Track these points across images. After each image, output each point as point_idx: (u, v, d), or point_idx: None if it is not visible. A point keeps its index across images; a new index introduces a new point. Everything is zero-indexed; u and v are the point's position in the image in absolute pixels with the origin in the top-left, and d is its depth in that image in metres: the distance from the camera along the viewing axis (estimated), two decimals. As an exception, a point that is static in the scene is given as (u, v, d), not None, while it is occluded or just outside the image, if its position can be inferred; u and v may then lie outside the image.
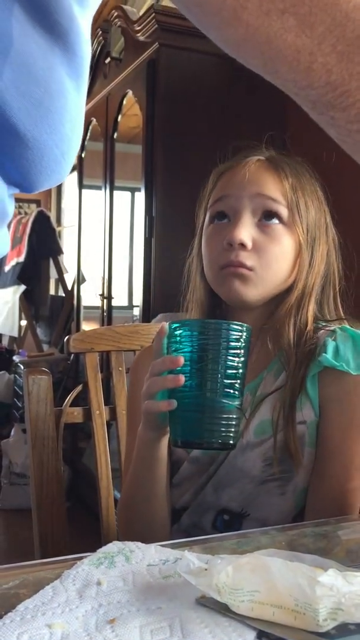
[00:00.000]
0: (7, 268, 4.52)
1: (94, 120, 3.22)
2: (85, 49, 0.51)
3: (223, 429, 0.71)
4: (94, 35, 3.02)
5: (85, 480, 3.03)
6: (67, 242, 4.83)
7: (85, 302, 3.65)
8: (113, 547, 0.63)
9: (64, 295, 4.45)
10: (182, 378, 0.70)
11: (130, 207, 3.35)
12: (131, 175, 3.07)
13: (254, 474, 0.86)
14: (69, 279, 4.28)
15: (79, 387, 1.21)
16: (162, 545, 0.65)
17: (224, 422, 0.71)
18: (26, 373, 1.08)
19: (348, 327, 0.89)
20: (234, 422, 0.71)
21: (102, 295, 3.16)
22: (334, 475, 0.86)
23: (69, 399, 1.15)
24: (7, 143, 0.48)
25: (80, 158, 3.48)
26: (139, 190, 2.68)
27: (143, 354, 1.01)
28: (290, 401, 0.86)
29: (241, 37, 0.47)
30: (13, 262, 4.46)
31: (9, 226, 0.58)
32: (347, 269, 0.96)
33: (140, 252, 2.63)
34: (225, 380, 0.71)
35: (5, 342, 5.06)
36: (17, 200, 0.57)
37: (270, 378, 0.90)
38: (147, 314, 2.58)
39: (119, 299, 3.32)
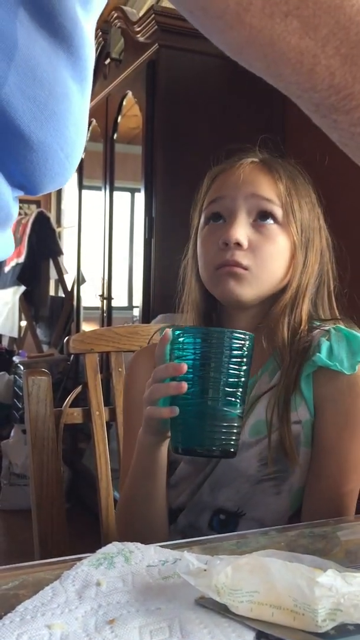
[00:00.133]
0: (7, 269, 4.52)
1: (94, 121, 3.22)
2: (89, 52, 0.52)
3: (224, 437, 0.71)
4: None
5: (85, 480, 3.03)
6: (67, 243, 4.83)
7: (85, 302, 3.65)
8: (112, 548, 0.63)
9: (63, 296, 4.45)
10: (185, 385, 0.71)
11: (130, 208, 3.35)
12: (131, 176, 3.08)
13: (250, 474, 0.87)
14: (69, 279, 4.28)
15: (79, 388, 1.21)
16: (162, 546, 0.65)
17: (225, 430, 0.71)
18: (26, 374, 1.08)
19: (342, 327, 0.89)
20: (234, 430, 0.72)
21: (102, 296, 3.17)
22: (329, 475, 0.86)
23: (69, 399, 1.15)
24: (12, 145, 0.48)
25: (80, 159, 3.48)
26: (138, 191, 2.68)
27: (139, 355, 1.01)
28: (285, 399, 0.86)
29: (244, 39, 0.47)
30: (13, 263, 4.46)
31: (8, 227, 0.58)
32: (341, 270, 0.97)
33: (140, 252, 2.64)
34: (227, 389, 0.71)
35: (5, 342, 5.06)
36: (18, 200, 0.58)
37: (265, 378, 0.90)
38: (147, 315, 2.58)
39: (119, 299, 3.32)
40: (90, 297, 3.46)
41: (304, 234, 0.91)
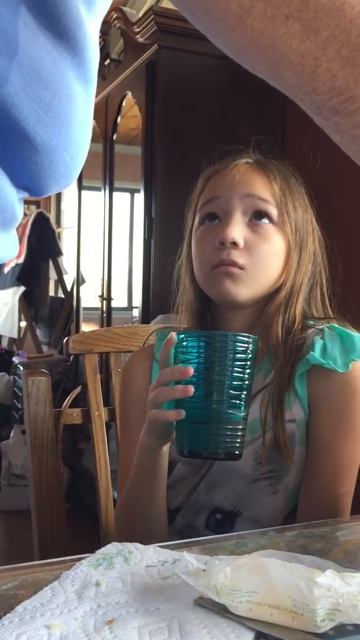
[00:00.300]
0: (6, 269, 4.51)
1: (94, 122, 3.22)
2: (94, 53, 0.52)
3: (229, 440, 0.72)
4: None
5: (85, 481, 3.03)
6: (67, 244, 4.84)
7: (84, 303, 3.65)
8: (112, 548, 0.63)
9: (63, 296, 4.45)
10: (191, 389, 0.71)
11: (129, 209, 3.36)
12: (131, 176, 3.08)
13: (245, 473, 0.87)
14: (69, 280, 4.28)
15: (78, 389, 1.21)
16: (161, 547, 0.65)
17: (229, 433, 0.71)
18: (25, 374, 1.08)
19: (336, 325, 0.89)
20: (239, 433, 0.72)
21: (101, 296, 3.17)
22: (324, 473, 0.86)
23: (68, 400, 1.15)
24: (17, 147, 0.49)
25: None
26: (138, 191, 2.68)
27: (135, 356, 1.02)
28: (278, 397, 0.87)
29: (246, 42, 0.47)
30: (12, 264, 4.45)
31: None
32: (333, 271, 0.98)
33: (140, 253, 2.64)
34: (232, 392, 0.71)
35: (4, 343, 5.06)
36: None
37: (260, 377, 0.90)
38: (147, 315, 2.58)
39: (119, 300, 3.32)
40: (89, 297, 3.46)
41: (298, 234, 0.91)
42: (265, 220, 0.89)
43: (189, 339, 0.74)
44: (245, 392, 0.72)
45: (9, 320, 4.65)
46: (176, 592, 0.55)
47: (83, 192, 3.56)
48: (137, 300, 2.73)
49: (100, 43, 3.03)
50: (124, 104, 2.94)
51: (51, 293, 4.84)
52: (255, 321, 0.91)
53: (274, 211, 0.89)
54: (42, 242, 4.41)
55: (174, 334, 0.75)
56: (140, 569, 0.60)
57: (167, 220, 2.54)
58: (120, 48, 2.93)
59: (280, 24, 0.45)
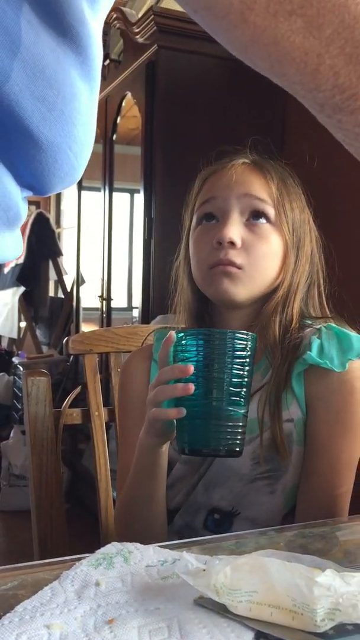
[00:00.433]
0: (6, 269, 4.51)
1: (94, 122, 3.22)
2: (97, 51, 0.52)
3: (229, 437, 0.72)
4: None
5: (85, 481, 3.03)
6: (67, 244, 4.83)
7: (84, 303, 3.65)
8: (112, 548, 0.63)
9: (63, 296, 4.45)
10: (192, 387, 0.71)
11: (129, 209, 3.36)
12: (130, 176, 3.08)
13: (243, 472, 0.87)
14: (69, 280, 4.28)
15: (78, 389, 1.21)
16: (161, 547, 0.65)
17: (230, 430, 0.72)
18: (25, 374, 1.08)
19: (333, 325, 0.89)
20: (239, 430, 0.72)
21: (101, 296, 3.17)
22: (322, 473, 0.86)
23: (68, 400, 1.15)
24: (21, 146, 0.48)
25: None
26: (138, 191, 2.68)
27: (134, 356, 1.02)
28: (276, 397, 0.87)
29: (248, 39, 0.46)
30: (12, 264, 4.45)
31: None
32: (330, 271, 0.98)
33: (140, 253, 2.64)
34: (232, 389, 0.72)
35: (4, 343, 5.06)
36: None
37: (257, 376, 0.90)
38: (146, 316, 2.58)
39: (118, 300, 3.32)
40: (89, 297, 3.46)
41: (295, 234, 0.91)
42: (263, 220, 0.89)
43: (187, 337, 0.74)
44: (245, 389, 0.73)
45: (9, 320, 4.64)
46: (176, 591, 0.55)
47: (83, 193, 3.56)
48: (137, 301, 2.73)
49: (100, 43, 3.05)
50: (123, 104, 2.94)
51: (51, 293, 4.83)
52: (252, 321, 0.91)
53: (271, 211, 0.90)
54: (42, 242, 4.41)
55: (173, 333, 0.75)
56: (140, 569, 0.60)
57: (166, 220, 2.54)
58: (120, 48, 2.93)
59: (283, 21, 0.45)
